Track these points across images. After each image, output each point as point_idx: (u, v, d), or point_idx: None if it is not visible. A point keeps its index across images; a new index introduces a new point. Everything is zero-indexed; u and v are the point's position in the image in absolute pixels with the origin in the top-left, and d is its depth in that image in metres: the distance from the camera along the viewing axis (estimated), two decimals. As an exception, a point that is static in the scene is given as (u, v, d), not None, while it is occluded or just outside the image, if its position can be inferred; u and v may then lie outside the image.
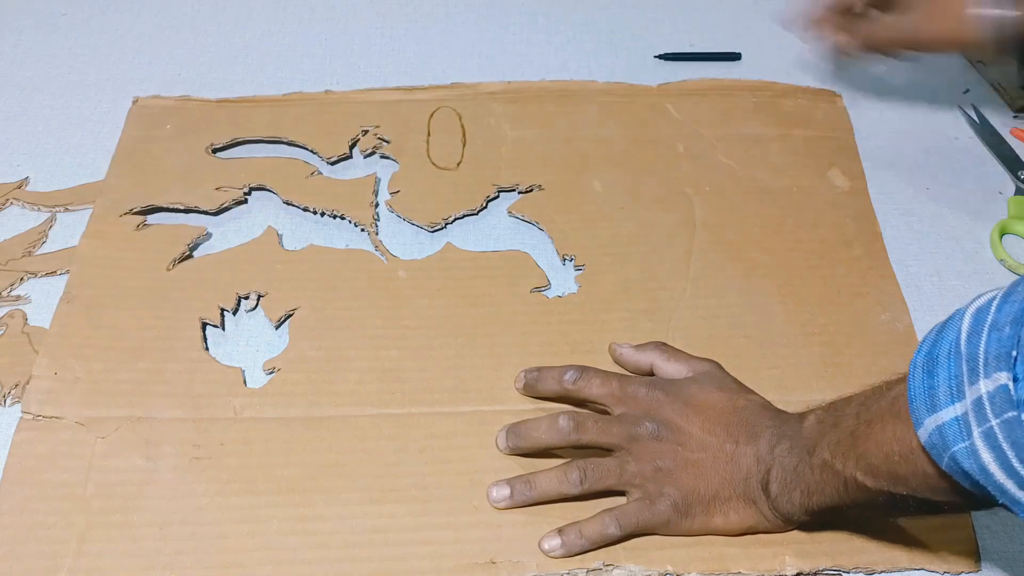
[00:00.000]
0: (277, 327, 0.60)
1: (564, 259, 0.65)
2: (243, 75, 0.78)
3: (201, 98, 0.74)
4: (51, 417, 0.54)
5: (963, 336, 0.36)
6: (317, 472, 0.53)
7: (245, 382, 0.57)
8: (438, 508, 0.52)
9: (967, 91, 0.80)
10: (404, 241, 0.66)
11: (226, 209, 0.67)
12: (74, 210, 0.67)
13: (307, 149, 0.70)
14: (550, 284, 0.63)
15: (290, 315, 0.60)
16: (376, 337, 0.59)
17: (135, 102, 0.73)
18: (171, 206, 0.66)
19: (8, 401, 0.56)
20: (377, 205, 0.67)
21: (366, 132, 0.72)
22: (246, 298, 0.61)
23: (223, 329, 0.60)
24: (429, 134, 0.72)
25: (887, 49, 0.71)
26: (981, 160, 0.75)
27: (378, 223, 0.66)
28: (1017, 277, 0.38)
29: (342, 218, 0.66)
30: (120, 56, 0.79)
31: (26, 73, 0.78)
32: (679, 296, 0.62)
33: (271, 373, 0.58)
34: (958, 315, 0.37)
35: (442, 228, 0.66)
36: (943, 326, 0.38)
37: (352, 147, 0.71)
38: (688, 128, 0.73)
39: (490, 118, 0.74)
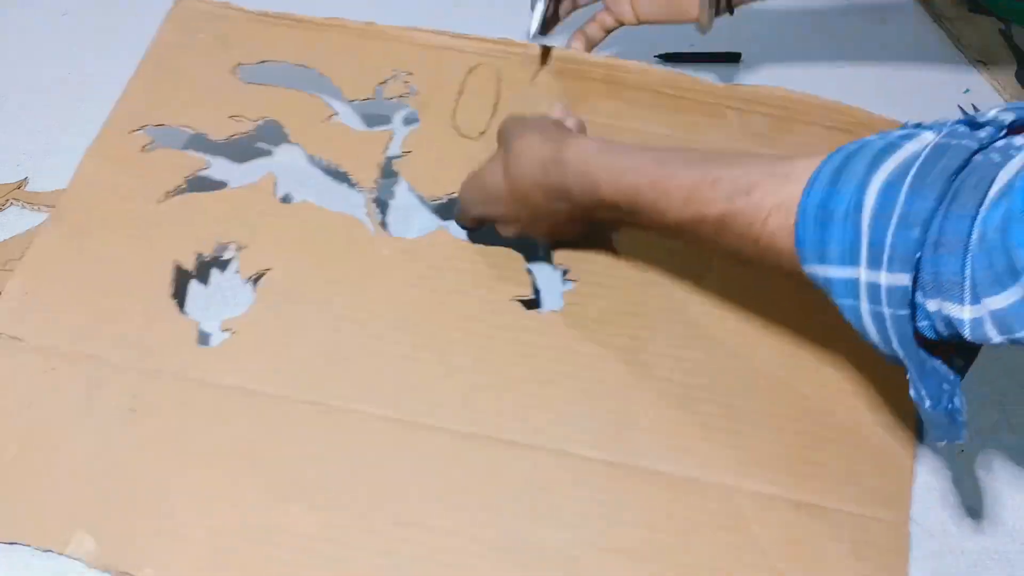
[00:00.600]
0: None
1: (558, 269, 0.60)
2: None
3: (240, 8, 0.70)
4: (12, 337, 0.56)
5: (867, 210, 0.36)
6: (231, 452, 0.53)
7: (199, 339, 0.57)
8: (338, 519, 0.51)
9: (967, 91, 0.78)
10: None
11: (235, 140, 0.65)
12: None
13: (332, 86, 0.67)
14: (533, 295, 0.59)
15: (262, 274, 0.59)
16: (337, 317, 0.57)
17: (177, 1, 0.71)
18: (181, 127, 0.64)
19: None
20: (385, 169, 0.64)
21: (397, 76, 0.67)
22: (226, 246, 0.60)
23: (195, 276, 0.60)
24: (461, 93, 0.67)
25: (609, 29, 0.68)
26: None
27: (379, 187, 0.63)
28: (923, 138, 0.37)
29: (346, 174, 0.63)
30: (120, 56, 0.75)
31: (26, 73, 0.76)
32: (665, 341, 0.57)
33: (226, 333, 0.57)
34: (857, 166, 0.37)
35: (443, 203, 0.63)
36: (840, 171, 0.38)
37: (379, 91, 0.67)
38: (740, 145, 0.65)
39: (531, 87, 0.68)
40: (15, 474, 0.52)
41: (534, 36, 0.66)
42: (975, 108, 0.75)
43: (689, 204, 0.44)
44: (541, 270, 0.61)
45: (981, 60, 0.80)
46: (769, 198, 0.41)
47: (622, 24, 0.69)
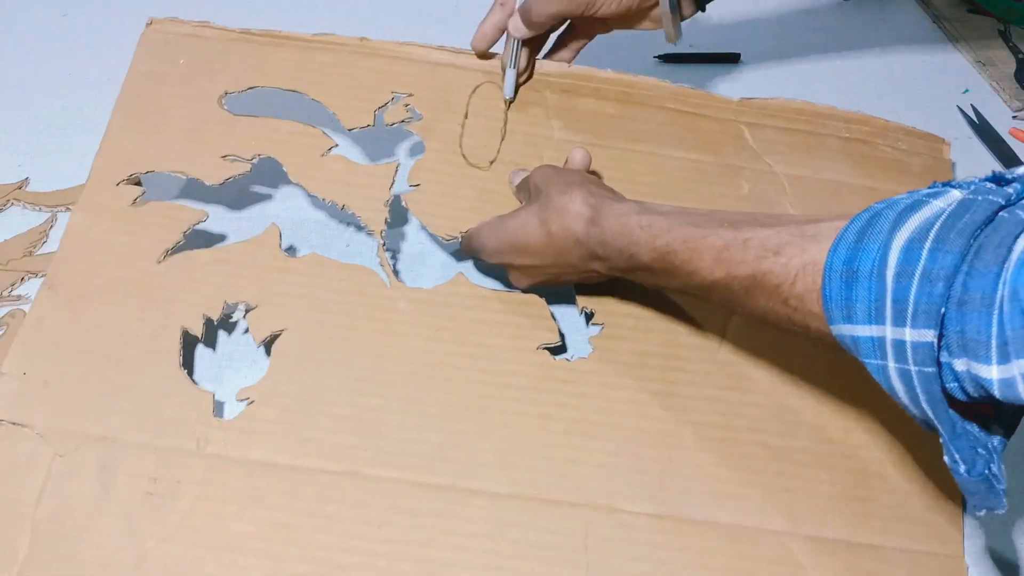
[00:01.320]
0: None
1: (583, 312, 0.58)
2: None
3: (221, 27, 0.65)
4: (15, 424, 0.52)
5: (891, 268, 0.36)
6: (268, 533, 0.50)
7: (215, 410, 0.54)
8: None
9: (967, 91, 0.79)
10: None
11: (231, 183, 0.61)
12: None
13: (328, 114, 0.63)
14: (561, 342, 0.57)
15: (276, 336, 0.56)
16: (360, 379, 0.55)
17: (149, 24, 0.65)
18: (173, 175, 0.61)
19: None
20: (392, 206, 0.61)
21: (397, 100, 0.64)
22: (234, 308, 0.57)
23: (204, 342, 0.56)
24: (467, 116, 0.64)
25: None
26: (980, 160, 0.75)
27: (388, 228, 0.60)
28: (950, 195, 0.37)
29: (354, 217, 0.60)
30: (120, 56, 0.72)
31: (26, 73, 0.76)
32: (701, 383, 0.56)
33: (244, 403, 0.54)
34: (883, 225, 0.37)
35: (458, 243, 0.60)
36: (865, 230, 0.37)
37: (379, 117, 0.63)
38: (760, 163, 0.63)
39: (538, 107, 0.65)
40: (34, 572, 0.49)
41: (509, 101, 0.64)
42: (975, 109, 0.76)
43: (720, 264, 0.44)
44: (565, 314, 0.59)
45: (980, 60, 0.80)
46: (797, 259, 0.40)
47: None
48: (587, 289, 0.58)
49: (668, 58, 0.78)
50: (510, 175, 0.61)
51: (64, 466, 0.51)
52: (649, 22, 0.64)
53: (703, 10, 0.65)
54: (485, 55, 0.65)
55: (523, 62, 0.63)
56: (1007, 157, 0.74)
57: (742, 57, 0.78)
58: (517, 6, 0.61)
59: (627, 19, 0.63)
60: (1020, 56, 0.81)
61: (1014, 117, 0.78)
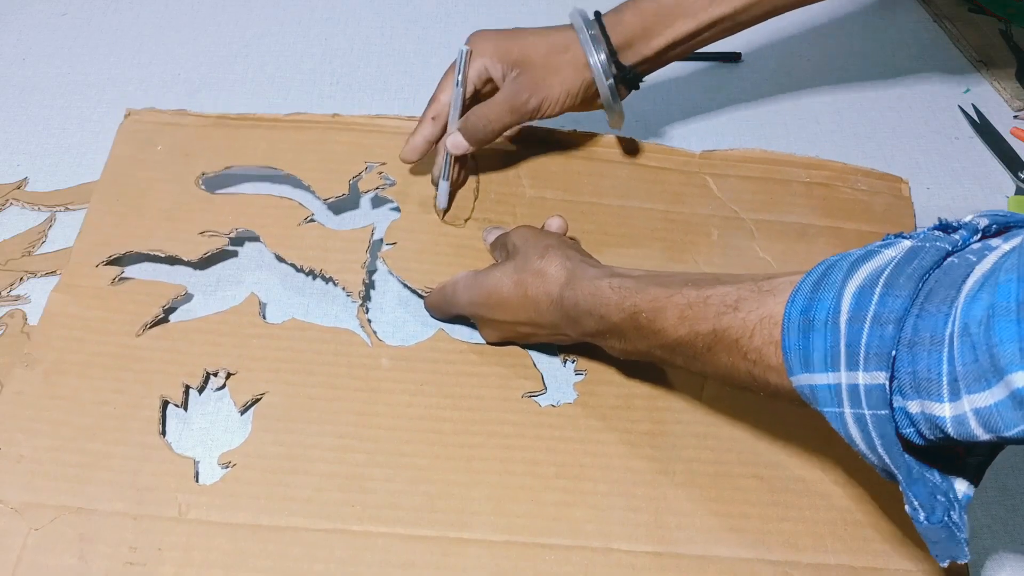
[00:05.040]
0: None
1: (565, 361, 0.58)
2: (243, 74, 0.78)
3: (197, 113, 0.67)
4: (-13, 500, 0.51)
5: (843, 314, 0.36)
6: (253, 597, 0.48)
7: (197, 476, 0.53)
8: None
9: (967, 91, 0.79)
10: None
11: (210, 259, 0.62)
12: (73, 209, 0.66)
13: (304, 185, 0.65)
14: (545, 389, 0.57)
15: (257, 400, 0.55)
16: (344, 436, 0.54)
17: (127, 116, 0.67)
18: (151, 253, 0.61)
19: None
20: (370, 268, 0.61)
21: (370, 168, 0.65)
22: (215, 375, 0.57)
23: (185, 410, 0.56)
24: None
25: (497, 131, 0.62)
26: (981, 160, 0.74)
27: (369, 290, 0.61)
28: (901, 245, 0.37)
29: (332, 282, 0.61)
30: (120, 56, 0.77)
31: (26, 73, 0.76)
32: (687, 420, 0.55)
33: (226, 468, 0.53)
34: (837, 275, 0.37)
35: None
36: (820, 281, 0.38)
37: (353, 185, 0.65)
38: (727, 210, 0.65)
39: (510, 169, 0.67)
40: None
41: (444, 211, 0.64)
42: (976, 109, 0.77)
43: (683, 322, 0.45)
44: (547, 363, 0.59)
45: (981, 60, 0.81)
46: (754, 313, 0.41)
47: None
48: (565, 347, 0.58)
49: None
50: (484, 232, 0.62)
51: (40, 539, 0.49)
52: (594, 108, 0.65)
53: (637, 88, 0.65)
54: (413, 165, 0.65)
55: (455, 173, 0.64)
56: (1008, 157, 0.74)
57: (742, 57, 0.79)
58: (452, 125, 0.61)
59: (572, 110, 0.64)
60: (1021, 55, 0.81)
61: (1015, 117, 0.78)
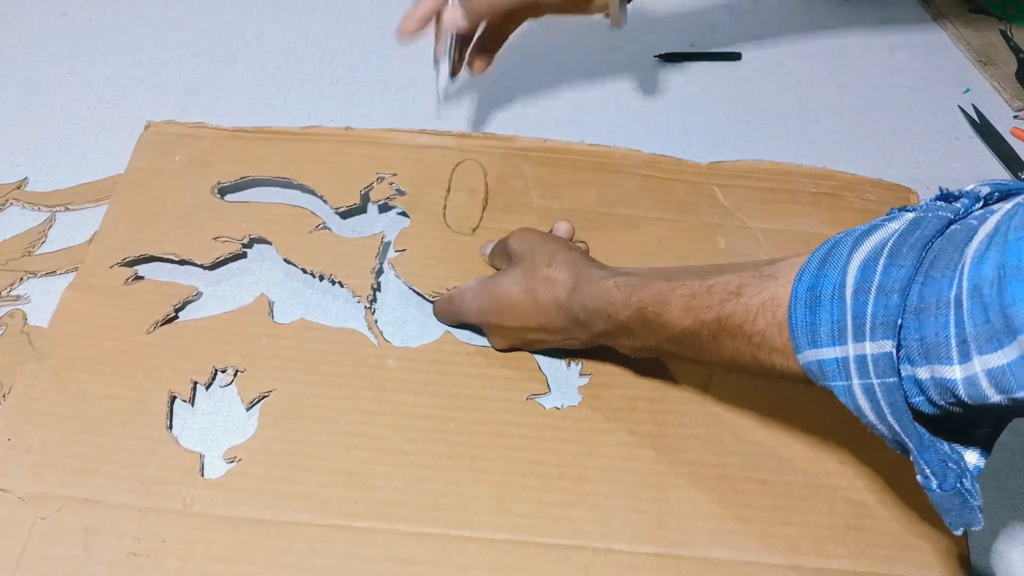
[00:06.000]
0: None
1: (569, 364, 0.58)
2: (243, 74, 0.78)
3: (215, 126, 0.69)
4: (-5, 489, 0.51)
5: (849, 287, 0.36)
6: (254, 590, 0.48)
7: (202, 470, 0.53)
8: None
9: (967, 91, 0.79)
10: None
11: (222, 263, 0.63)
12: (74, 209, 0.67)
13: (316, 195, 0.66)
14: (550, 391, 0.57)
15: (264, 397, 0.56)
16: (349, 434, 0.54)
17: (147, 127, 0.69)
18: (165, 256, 0.62)
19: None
20: (378, 273, 0.62)
21: (382, 179, 0.67)
22: (223, 371, 0.57)
23: (192, 405, 0.56)
24: (449, 190, 0.67)
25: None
26: (981, 160, 0.74)
27: (377, 294, 0.62)
28: (904, 217, 0.37)
29: (340, 285, 0.61)
30: (120, 56, 0.78)
31: (26, 73, 0.77)
32: (690, 423, 0.55)
33: (231, 463, 0.53)
34: (842, 251, 0.38)
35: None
36: (826, 258, 0.38)
37: (365, 196, 0.66)
38: (734, 219, 0.65)
39: (518, 179, 0.68)
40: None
41: (445, 95, 0.63)
42: (976, 109, 0.77)
43: (688, 312, 0.45)
44: (552, 365, 0.59)
45: (981, 60, 0.80)
46: (756, 297, 0.41)
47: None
48: (571, 352, 0.59)
49: (669, 57, 0.77)
50: (481, 249, 0.63)
51: (46, 529, 0.50)
52: (594, 8, 0.64)
53: None
54: (412, 37, 0.62)
55: (456, 53, 0.63)
56: (1008, 157, 0.74)
57: (742, 57, 0.79)
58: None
59: (573, 5, 0.63)
60: (1021, 55, 0.81)
61: (1015, 116, 0.78)
